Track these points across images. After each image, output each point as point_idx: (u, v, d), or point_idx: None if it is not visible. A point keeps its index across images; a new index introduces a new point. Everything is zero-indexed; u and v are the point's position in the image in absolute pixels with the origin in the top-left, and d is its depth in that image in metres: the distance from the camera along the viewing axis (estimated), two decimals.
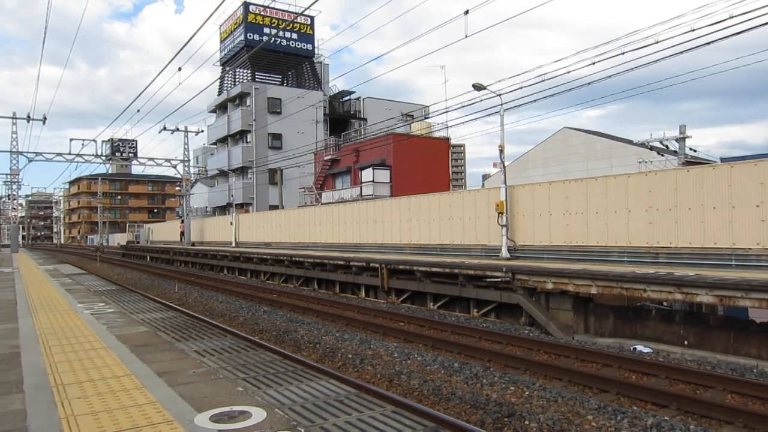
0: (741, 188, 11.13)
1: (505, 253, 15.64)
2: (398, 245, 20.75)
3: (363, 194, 33.36)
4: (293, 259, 21.91)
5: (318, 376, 5.24)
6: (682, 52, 12.11)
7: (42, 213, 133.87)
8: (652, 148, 23.51)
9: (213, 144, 53.87)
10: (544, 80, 14.72)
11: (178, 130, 39.94)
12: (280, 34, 46.77)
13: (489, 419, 6.40)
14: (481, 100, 17.22)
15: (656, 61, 12.75)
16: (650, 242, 12.62)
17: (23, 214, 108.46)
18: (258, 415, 3.45)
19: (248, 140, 46.54)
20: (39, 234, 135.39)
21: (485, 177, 49.84)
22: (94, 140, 37.58)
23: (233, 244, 34.69)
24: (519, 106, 16.61)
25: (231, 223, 35.77)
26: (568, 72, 14.25)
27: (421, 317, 13.31)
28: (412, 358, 9.41)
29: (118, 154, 40.68)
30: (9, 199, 46.87)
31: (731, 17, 10.98)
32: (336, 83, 51.56)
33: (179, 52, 13.45)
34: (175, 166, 41.57)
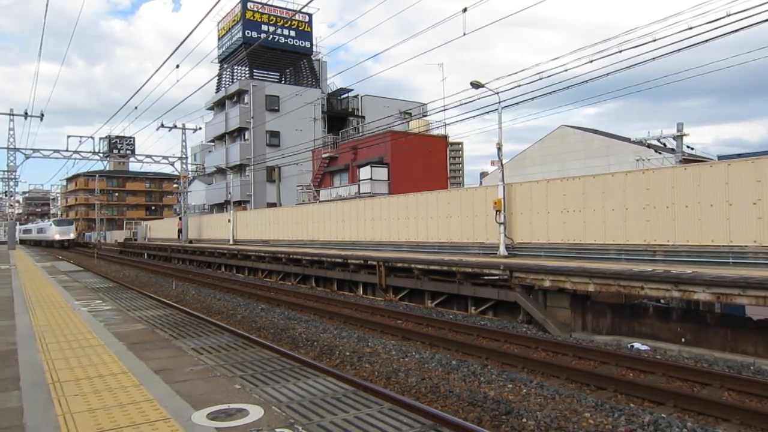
0: (738, 186, 11.15)
1: (502, 250, 15.65)
2: (396, 243, 20.74)
3: (361, 192, 33.35)
4: (291, 256, 21.90)
5: (315, 374, 5.24)
6: (679, 50, 12.13)
7: (39, 210, 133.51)
8: (649, 146, 23.49)
9: (211, 141, 53.80)
10: (541, 78, 14.74)
11: (175, 127, 39.86)
12: (278, 31, 46.67)
13: (487, 417, 6.40)
14: (479, 98, 17.24)
15: (654, 59, 12.77)
16: (648, 240, 12.64)
17: (20, 211, 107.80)
18: (255, 412, 3.45)
19: (246, 138, 46.46)
20: None
21: (483, 175, 49.83)
22: (92, 137, 37.49)
23: (231, 242, 34.65)
24: (517, 104, 16.61)
25: (229, 221, 35.72)
26: (566, 70, 14.26)
27: (418, 315, 13.32)
28: (409, 355, 9.41)
29: (115, 151, 40.56)
30: (6, 195, 46.75)
31: (728, 15, 10.99)
32: (334, 81, 51.54)
33: (177, 48, 13.42)
34: (172, 164, 41.51)
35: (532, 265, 12.42)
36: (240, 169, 46.98)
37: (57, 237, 60.77)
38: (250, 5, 45.81)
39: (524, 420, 6.20)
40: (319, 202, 34.28)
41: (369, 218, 22.55)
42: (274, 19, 46.96)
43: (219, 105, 50.95)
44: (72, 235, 63.91)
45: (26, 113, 34.55)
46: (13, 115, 36.37)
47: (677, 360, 8.85)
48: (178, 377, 4.34)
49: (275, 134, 45.81)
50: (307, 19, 49.04)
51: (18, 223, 74.30)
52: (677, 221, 12.09)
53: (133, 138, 40.92)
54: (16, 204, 64.26)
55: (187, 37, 12.34)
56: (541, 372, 8.43)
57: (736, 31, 11.04)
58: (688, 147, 23.35)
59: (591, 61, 13.63)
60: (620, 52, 12.93)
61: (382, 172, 34.18)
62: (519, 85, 15.49)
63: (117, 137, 39.93)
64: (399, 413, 3.91)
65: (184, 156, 41.48)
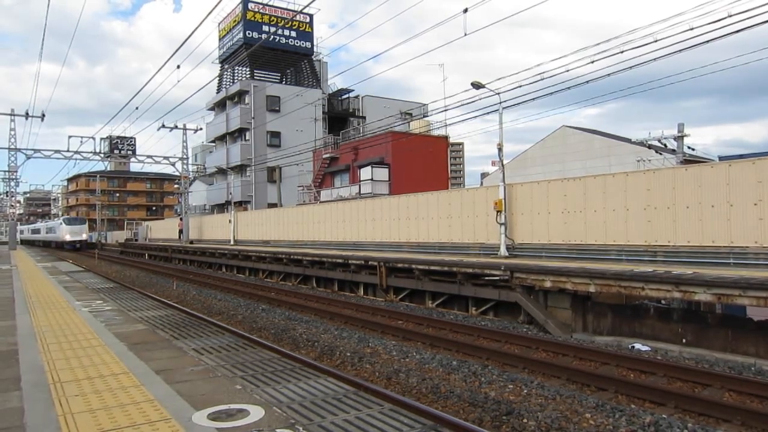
0: (739, 186, 11.14)
1: (503, 251, 15.65)
2: (397, 243, 20.74)
3: (362, 192, 33.34)
4: (292, 257, 21.90)
5: (316, 375, 5.25)
6: (681, 51, 12.12)
7: (40, 210, 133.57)
8: (650, 147, 23.50)
9: (212, 142, 53.79)
10: (543, 78, 14.71)
11: (176, 127, 39.87)
12: (279, 32, 46.68)
13: (487, 417, 6.40)
14: (480, 99, 17.23)
15: (655, 59, 12.76)
16: (648, 241, 12.64)
17: (21, 211, 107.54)
18: (256, 413, 3.45)
19: (247, 138, 46.47)
20: None
21: (484, 175, 49.80)
22: (93, 137, 37.50)
23: (232, 242, 34.67)
24: (518, 104, 16.59)
25: (229, 221, 35.74)
26: (567, 70, 14.24)
27: (419, 315, 13.32)
28: (410, 356, 9.41)
29: (116, 151, 40.56)
30: (7, 196, 46.80)
31: (730, 15, 10.98)
32: (335, 81, 51.52)
33: (178, 49, 13.42)
34: (173, 164, 41.53)
35: (533, 265, 12.42)
36: (241, 169, 47.00)
37: (68, 237, 56.30)
38: (250, 6, 45.83)
39: (525, 420, 6.20)
40: (320, 202, 34.28)
41: (370, 219, 22.55)
42: (275, 19, 46.97)
43: (220, 105, 50.97)
44: (84, 236, 58.34)
45: (27, 113, 34.61)
46: (14, 115, 36.43)
47: (678, 361, 8.84)
48: (178, 378, 4.34)
49: (276, 135, 45.82)
50: (307, 19, 49.04)
51: (20, 223, 73.90)
52: (678, 222, 12.08)
53: (134, 138, 40.96)
54: (17, 204, 64.18)
55: (188, 37, 12.35)
56: (542, 372, 8.43)
57: (737, 31, 11.03)
58: (689, 147, 23.37)
59: (592, 62, 13.63)
60: (622, 52, 12.93)
61: (382, 173, 34.17)
62: (520, 86, 15.49)
63: (118, 138, 39.94)
64: (400, 414, 3.91)
65: (184, 156, 41.50)
